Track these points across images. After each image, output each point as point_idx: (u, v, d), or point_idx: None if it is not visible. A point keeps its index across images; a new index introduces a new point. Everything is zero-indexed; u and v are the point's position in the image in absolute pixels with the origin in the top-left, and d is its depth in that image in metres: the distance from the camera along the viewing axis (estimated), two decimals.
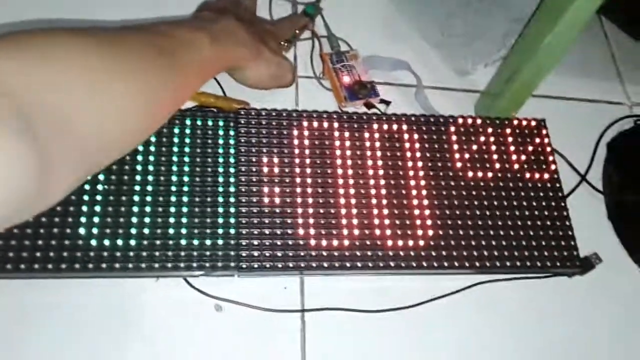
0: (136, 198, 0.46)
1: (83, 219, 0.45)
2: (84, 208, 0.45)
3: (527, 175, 0.55)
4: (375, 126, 0.54)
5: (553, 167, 0.56)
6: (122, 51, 0.37)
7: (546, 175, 0.55)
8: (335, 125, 0.54)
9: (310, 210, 0.49)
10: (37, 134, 0.30)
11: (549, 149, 0.57)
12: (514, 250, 0.51)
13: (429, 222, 0.51)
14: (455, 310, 0.50)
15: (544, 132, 0.58)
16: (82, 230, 0.44)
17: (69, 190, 0.35)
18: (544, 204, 0.54)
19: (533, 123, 0.58)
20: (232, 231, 0.47)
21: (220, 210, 0.48)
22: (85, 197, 0.46)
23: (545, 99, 0.64)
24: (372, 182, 0.52)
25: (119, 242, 0.44)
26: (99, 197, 0.46)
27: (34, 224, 0.44)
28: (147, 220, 0.46)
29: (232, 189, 0.49)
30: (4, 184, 0.28)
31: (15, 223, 0.32)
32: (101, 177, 0.46)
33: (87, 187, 0.46)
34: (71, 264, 0.43)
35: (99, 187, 0.46)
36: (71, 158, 0.33)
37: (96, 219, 0.45)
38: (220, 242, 0.46)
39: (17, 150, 0.29)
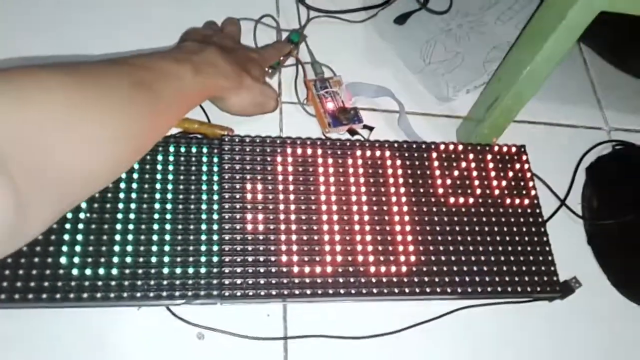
0: (118, 226, 0.46)
1: (64, 248, 0.45)
2: (66, 237, 0.45)
3: (508, 200, 0.56)
4: (359, 152, 0.55)
5: (533, 192, 0.57)
6: (99, 86, 0.38)
7: (526, 201, 0.56)
8: (319, 151, 0.54)
9: (293, 237, 0.49)
10: (12, 173, 0.30)
11: (529, 174, 0.58)
12: (495, 276, 0.52)
13: (411, 247, 0.51)
14: (437, 336, 0.51)
15: (524, 157, 0.59)
16: (63, 260, 0.44)
17: (48, 226, 0.36)
18: (524, 229, 0.55)
19: (513, 149, 0.59)
20: (215, 259, 0.47)
21: (203, 237, 0.48)
22: (67, 226, 0.45)
23: (526, 124, 0.65)
24: (355, 208, 0.52)
25: (101, 271, 0.44)
26: (80, 226, 0.46)
27: (14, 253, 0.43)
28: (129, 248, 0.46)
29: (215, 216, 0.49)
30: None
31: None
32: (83, 205, 0.46)
33: (69, 215, 0.46)
34: (52, 293, 0.43)
35: (81, 215, 0.46)
36: (48, 194, 0.34)
37: (78, 248, 0.45)
38: (202, 270, 0.46)
39: None
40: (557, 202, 0.60)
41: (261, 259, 0.48)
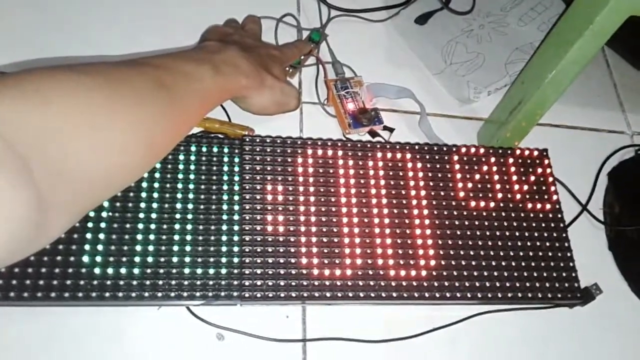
0: (140, 226, 0.46)
1: (87, 247, 0.45)
2: (88, 235, 0.45)
3: (529, 205, 0.55)
4: (379, 154, 0.55)
5: (555, 197, 0.56)
6: (121, 87, 0.38)
7: (548, 206, 0.56)
8: (340, 153, 0.54)
9: (313, 239, 0.49)
10: (34, 176, 0.31)
11: (550, 179, 0.57)
12: (516, 281, 0.51)
13: (431, 251, 0.51)
14: (456, 341, 0.51)
15: (546, 162, 0.58)
16: (85, 258, 0.44)
17: (69, 226, 0.36)
18: (545, 234, 0.54)
19: (535, 153, 0.58)
20: (236, 260, 0.47)
21: (224, 238, 0.48)
22: (90, 225, 0.46)
23: (548, 127, 0.65)
24: (375, 210, 0.52)
25: (123, 270, 0.44)
26: (103, 225, 0.46)
27: (37, 252, 0.44)
28: (150, 248, 0.46)
29: (236, 217, 0.49)
30: (2, 227, 0.29)
31: (10, 263, 0.32)
32: (106, 204, 0.47)
33: (91, 214, 0.46)
34: (74, 292, 0.43)
35: (103, 214, 0.46)
36: (70, 197, 0.34)
37: (100, 247, 0.45)
38: (223, 270, 0.46)
39: (15, 193, 0.29)
40: (579, 207, 0.60)
41: (281, 260, 0.48)
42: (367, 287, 0.49)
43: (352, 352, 0.48)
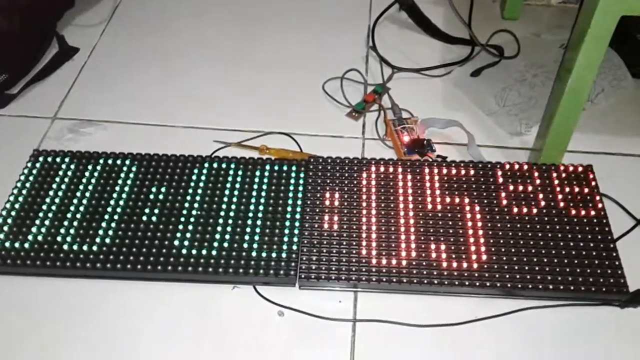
0: (220, 221, 0.58)
1: (178, 234, 0.57)
2: (180, 227, 0.57)
3: (573, 211, 0.59)
4: (432, 170, 0.63)
5: (600, 205, 0.59)
6: None
7: (592, 212, 0.59)
8: (392, 169, 0.63)
9: (364, 235, 0.57)
10: None
11: (596, 190, 0.61)
12: (563, 275, 0.55)
13: (482, 248, 0.56)
14: (500, 331, 0.53)
15: (591, 176, 0.62)
16: (176, 242, 0.56)
17: None
18: (589, 236, 0.57)
19: (580, 169, 0.62)
20: (294, 247, 0.56)
21: (287, 231, 0.57)
22: (182, 219, 0.58)
23: (603, 155, 0.68)
24: (427, 214, 0.59)
25: (204, 252, 0.55)
26: (192, 219, 0.58)
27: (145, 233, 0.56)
28: (227, 237, 0.57)
29: (297, 216, 0.58)
30: None
31: None
32: (196, 205, 0.59)
33: (184, 212, 0.58)
34: (166, 266, 0.55)
35: (193, 212, 0.59)
36: None
37: (188, 234, 0.57)
38: (283, 255, 0.55)
39: None
40: (632, 222, 0.61)
41: (334, 251, 0.56)
42: (413, 275, 0.54)
43: (397, 334, 0.53)
